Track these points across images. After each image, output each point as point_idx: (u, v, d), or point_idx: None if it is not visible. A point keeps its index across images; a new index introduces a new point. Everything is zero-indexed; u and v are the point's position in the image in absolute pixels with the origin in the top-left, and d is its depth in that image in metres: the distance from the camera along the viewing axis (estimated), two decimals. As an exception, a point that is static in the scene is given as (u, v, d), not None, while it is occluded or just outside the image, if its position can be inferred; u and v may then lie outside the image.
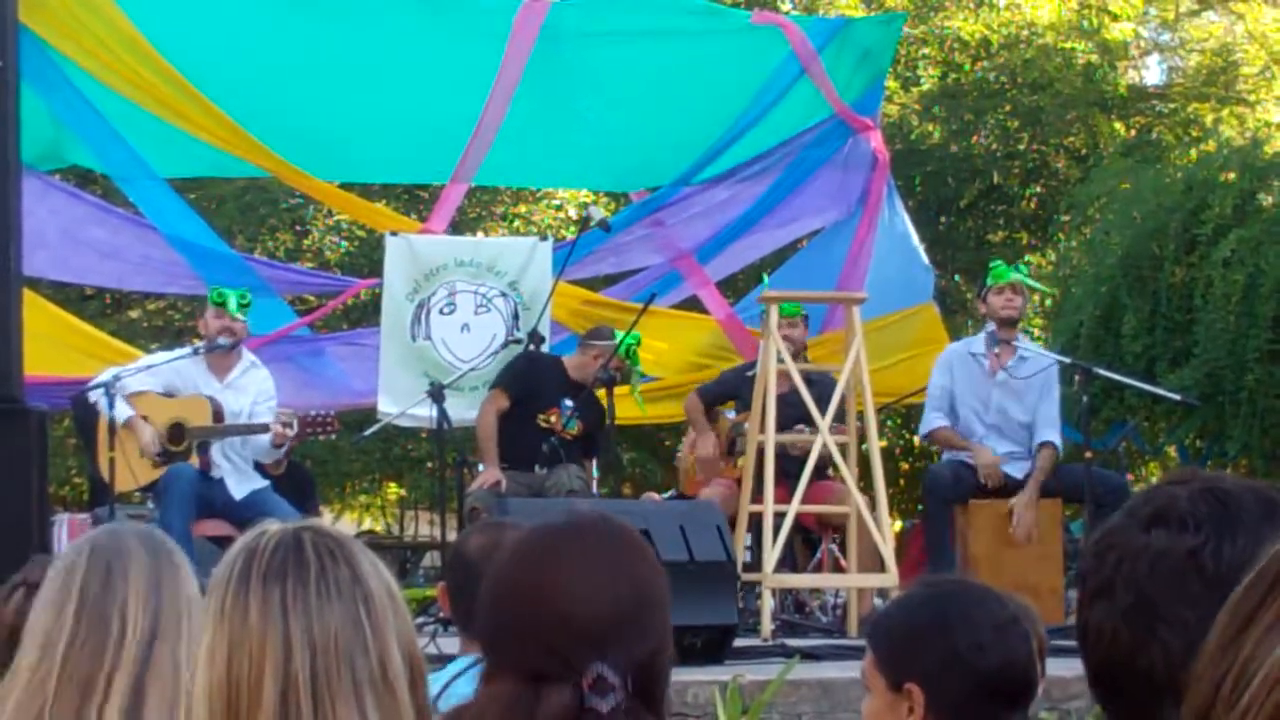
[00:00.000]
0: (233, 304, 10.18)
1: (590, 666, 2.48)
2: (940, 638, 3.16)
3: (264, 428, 9.98)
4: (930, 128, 21.39)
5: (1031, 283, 10.63)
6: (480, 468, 10.70)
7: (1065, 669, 6.84)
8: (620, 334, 10.67)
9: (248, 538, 2.39)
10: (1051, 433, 10.23)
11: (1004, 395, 10.22)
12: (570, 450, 10.51)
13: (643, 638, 2.54)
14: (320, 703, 2.25)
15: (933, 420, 10.36)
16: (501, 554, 2.66)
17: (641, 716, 2.52)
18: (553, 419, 10.50)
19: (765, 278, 11.46)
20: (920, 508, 11.46)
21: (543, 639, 2.50)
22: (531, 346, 11.12)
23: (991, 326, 10.29)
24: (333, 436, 10.71)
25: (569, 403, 10.50)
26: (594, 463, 10.76)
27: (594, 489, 10.38)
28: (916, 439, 20.85)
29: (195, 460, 10.01)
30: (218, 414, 10.07)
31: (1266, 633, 0.98)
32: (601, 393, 10.59)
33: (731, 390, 11.26)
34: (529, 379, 10.66)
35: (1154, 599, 1.86)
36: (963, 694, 3.13)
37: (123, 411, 9.94)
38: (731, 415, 11.28)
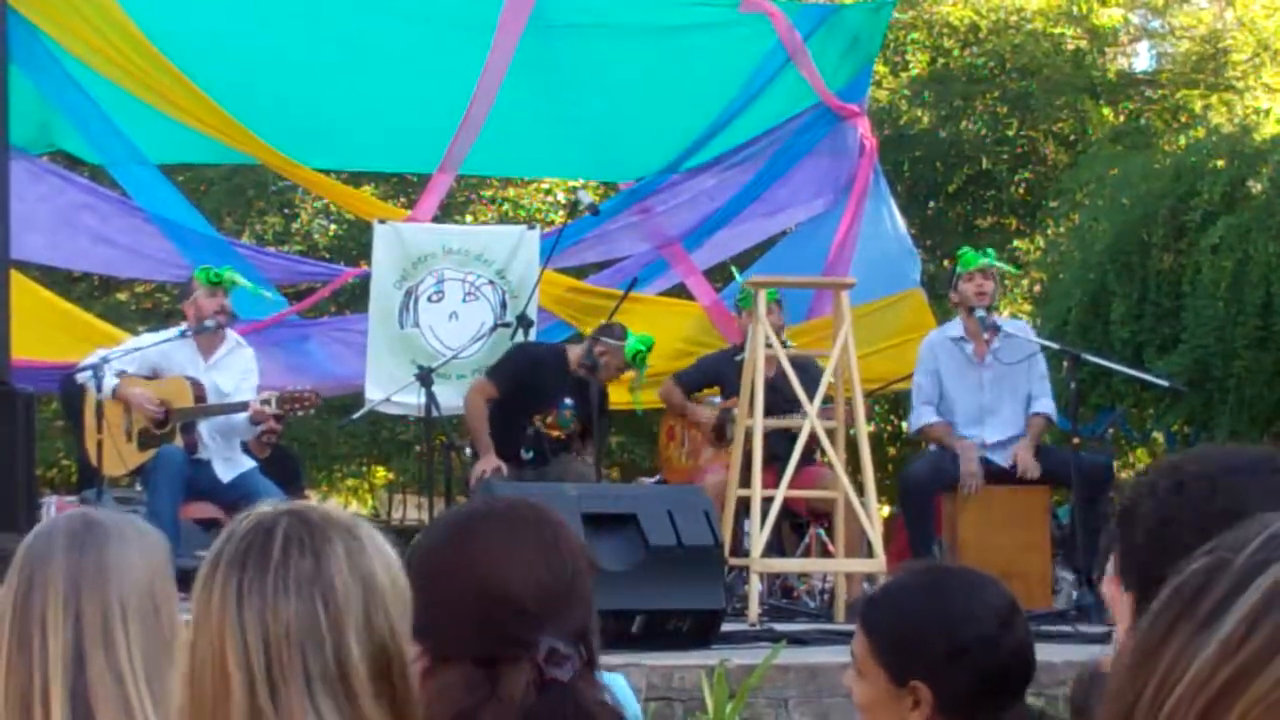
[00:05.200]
0: (236, 281, 10.25)
1: (540, 641, 2.56)
2: (949, 634, 3.11)
3: (243, 405, 9.97)
4: (919, 113, 21.40)
5: (1001, 265, 10.62)
6: (467, 452, 10.68)
7: (1053, 654, 6.86)
8: (632, 338, 10.54)
9: (235, 520, 2.38)
10: (1046, 403, 10.25)
11: (995, 379, 10.21)
12: (557, 445, 10.48)
13: (578, 608, 2.64)
14: (276, 695, 2.24)
15: (923, 414, 10.30)
16: (424, 542, 2.72)
17: (592, 680, 2.61)
18: (549, 419, 10.45)
19: (735, 272, 11.44)
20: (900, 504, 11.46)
21: (491, 621, 2.55)
22: (521, 330, 11.10)
23: (963, 316, 10.31)
24: (312, 411, 10.68)
25: (569, 401, 10.44)
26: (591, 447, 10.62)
27: (599, 476, 10.29)
28: (905, 425, 20.89)
29: (179, 441, 10.01)
30: (199, 394, 10.07)
31: (1185, 645, 1.01)
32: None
33: (713, 376, 11.25)
34: (527, 378, 10.46)
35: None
36: (970, 688, 3.11)
37: (109, 385, 9.93)
38: (716, 401, 11.27)
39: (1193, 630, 1.02)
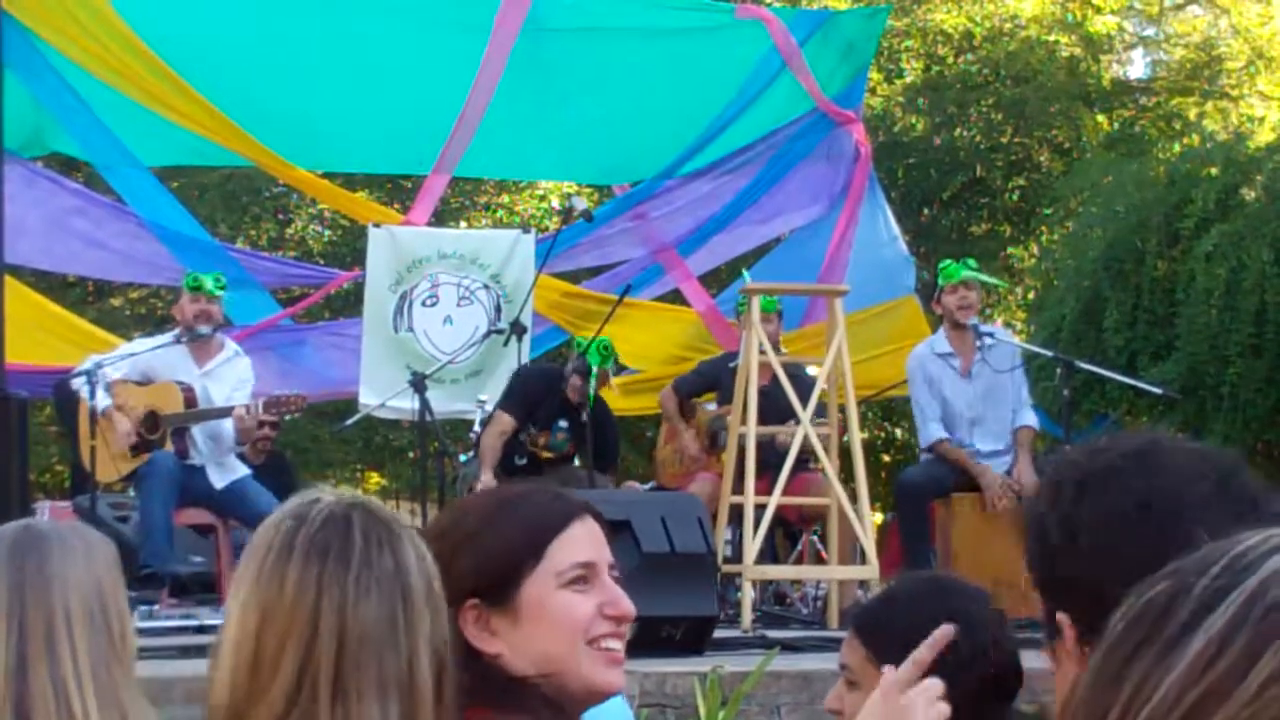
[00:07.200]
0: (209, 286, 10.16)
1: None
2: (962, 637, 3.12)
3: (228, 410, 9.93)
4: (913, 120, 21.41)
5: (983, 277, 10.60)
6: (462, 458, 10.68)
7: (1045, 662, 6.84)
8: (592, 353, 10.50)
9: (299, 503, 2.33)
10: (1028, 416, 10.25)
11: (983, 391, 10.20)
12: (551, 460, 10.51)
13: None
14: (344, 693, 2.21)
15: (934, 431, 10.19)
16: None
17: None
18: (540, 441, 10.46)
19: (745, 273, 11.44)
20: (894, 509, 11.45)
21: None
22: (514, 336, 11.09)
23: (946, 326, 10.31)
24: (297, 415, 10.66)
25: (563, 423, 10.45)
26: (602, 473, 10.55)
27: (592, 482, 10.27)
28: (899, 431, 20.89)
29: (171, 447, 9.99)
30: (189, 399, 10.05)
31: (1150, 669, 1.02)
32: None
33: (710, 382, 11.23)
34: (528, 399, 10.57)
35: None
36: (978, 691, 3.11)
37: (103, 402, 9.93)
38: (711, 407, 11.26)
39: (1158, 654, 1.02)
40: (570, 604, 2.69)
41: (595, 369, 10.28)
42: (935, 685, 2.46)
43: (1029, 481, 9.93)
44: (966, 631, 3.11)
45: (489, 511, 2.77)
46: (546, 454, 10.50)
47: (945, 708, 2.49)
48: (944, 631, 2.55)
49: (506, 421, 10.55)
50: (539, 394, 10.58)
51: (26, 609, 2.71)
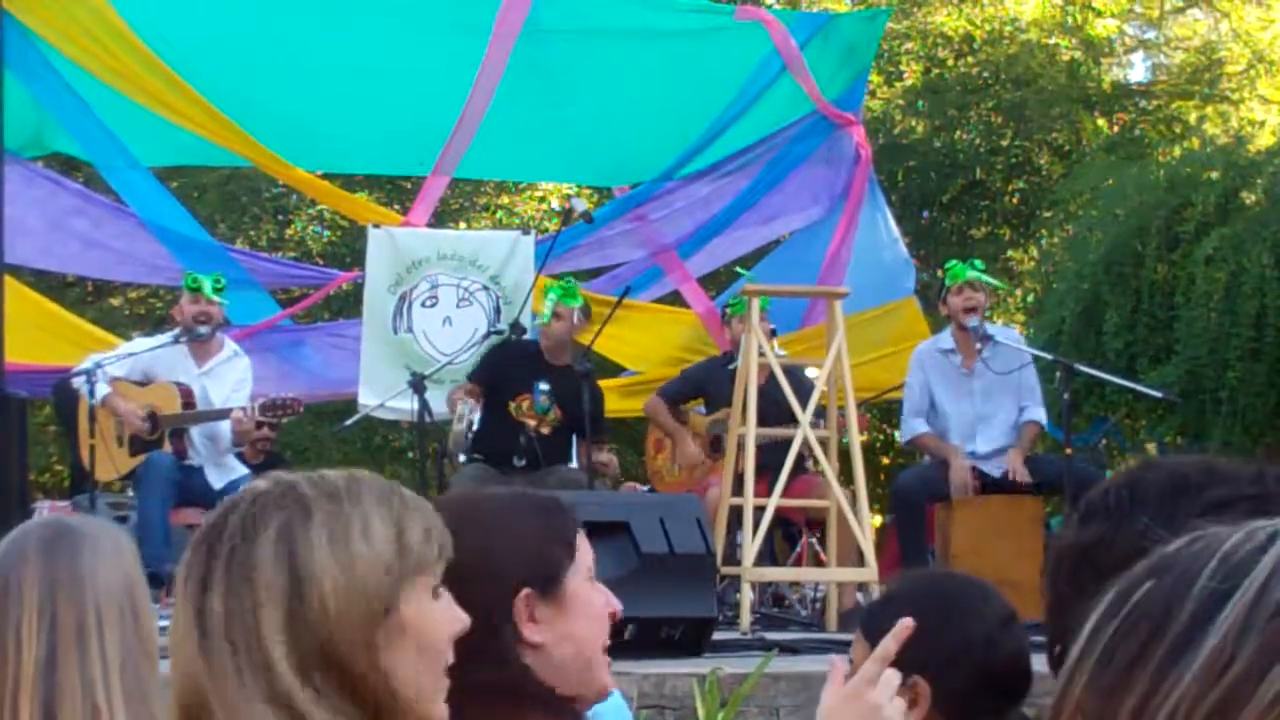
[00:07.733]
0: (208, 287, 10.15)
1: None
2: (951, 631, 3.11)
3: (226, 413, 9.94)
4: (913, 123, 21.40)
5: (988, 279, 10.60)
6: (461, 458, 10.66)
7: (1045, 666, 6.84)
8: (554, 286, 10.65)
9: (226, 501, 2.31)
10: (1037, 411, 10.22)
11: (985, 389, 10.19)
12: (549, 448, 10.48)
13: None
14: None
15: (914, 426, 10.27)
16: None
17: None
18: (524, 405, 10.46)
19: (743, 271, 11.43)
20: (892, 514, 11.44)
21: None
22: (513, 337, 11.10)
23: (952, 327, 10.30)
24: (295, 417, 10.63)
25: (543, 386, 10.46)
26: (590, 446, 10.53)
27: (591, 484, 10.24)
28: (898, 434, 20.89)
29: (169, 447, 9.99)
30: (187, 400, 10.05)
31: (1159, 674, 1.00)
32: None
33: (696, 387, 11.21)
34: (498, 365, 10.62)
35: (1059, 593, 1.97)
36: (970, 688, 3.11)
37: (102, 391, 9.92)
38: (702, 411, 11.23)
39: (1165, 658, 1.00)
40: (596, 598, 2.84)
41: (556, 299, 10.38)
42: (892, 678, 2.47)
43: (1015, 464, 9.94)
44: (958, 624, 3.12)
45: (524, 505, 2.86)
46: (532, 419, 10.47)
47: (902, 702, 2.52)
48: (904, 625, 2.55)
49: (470, 386, 10.62)
50: (510, 361, 10.62)
51: (59, 605, 2.70)
